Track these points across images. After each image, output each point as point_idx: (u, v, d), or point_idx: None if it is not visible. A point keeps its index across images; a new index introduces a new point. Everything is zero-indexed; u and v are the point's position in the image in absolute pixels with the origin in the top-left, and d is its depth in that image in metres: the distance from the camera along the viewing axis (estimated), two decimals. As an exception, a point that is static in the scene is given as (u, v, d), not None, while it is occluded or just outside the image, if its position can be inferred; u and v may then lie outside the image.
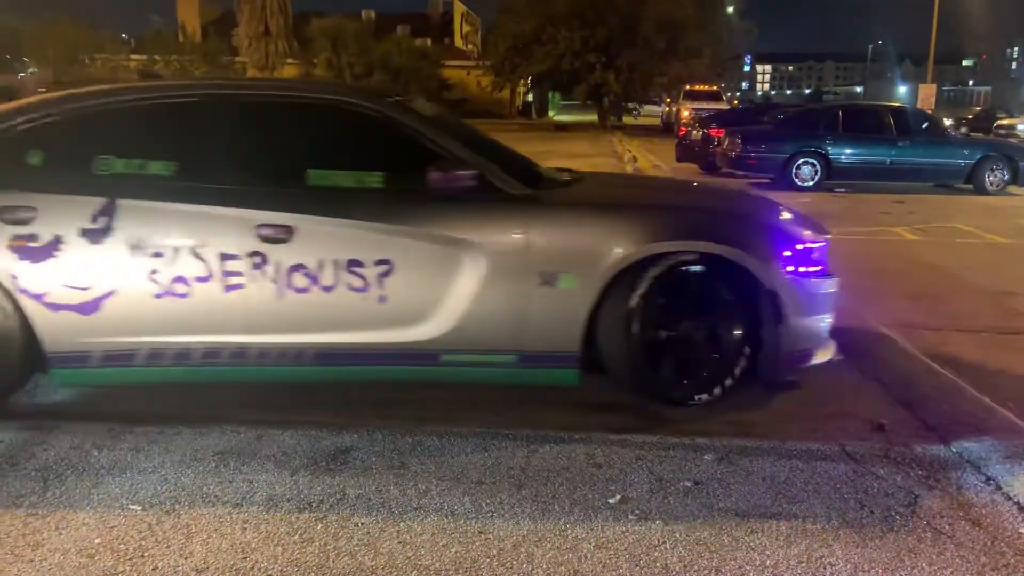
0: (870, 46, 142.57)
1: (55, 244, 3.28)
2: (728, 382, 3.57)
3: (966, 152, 13.34)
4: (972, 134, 21.09)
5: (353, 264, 3.33)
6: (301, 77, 30.73)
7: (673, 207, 3.91)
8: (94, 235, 3.28)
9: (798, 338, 3.55)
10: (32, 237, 3.27)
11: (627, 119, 42.18)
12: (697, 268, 3.46)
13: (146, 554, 2.42)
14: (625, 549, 2.46)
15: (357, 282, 3.34)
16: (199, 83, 4.12)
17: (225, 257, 3.31)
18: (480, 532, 2.56)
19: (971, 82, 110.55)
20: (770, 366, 3.60)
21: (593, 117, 37.94)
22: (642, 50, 33.42)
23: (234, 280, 3.32)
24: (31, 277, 3.27)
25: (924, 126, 13.77)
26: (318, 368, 3.45)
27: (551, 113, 47.94)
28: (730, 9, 39.24)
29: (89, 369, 3.40)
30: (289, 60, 32.59)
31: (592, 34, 32.95)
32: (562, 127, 34.28)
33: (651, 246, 3.39)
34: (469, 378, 3.56)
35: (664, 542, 2.51)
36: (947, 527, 2.61)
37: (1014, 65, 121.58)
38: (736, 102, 51.17)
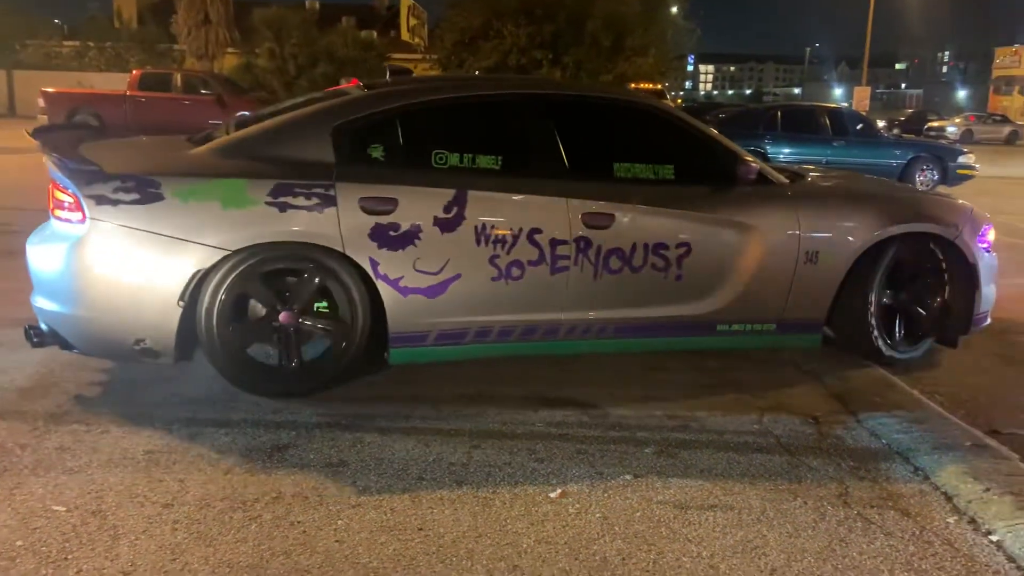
0: (808, 49, 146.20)
1: (414, 233, 3.48)
2: (929, 342, 4.32)
3: (898, 153, 13.78)
4: (904, 135, 21.79)
5: (660, 247, 3.75)
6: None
7: (903, 197, 4.60)
8: (447, 224, 3.51)
9: (983, 303, 4.25)
10: (393, 227, 3.45)
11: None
12: (919, 247, 4.12)
13: (70, 556, 2.33)
14: (565, 543, 2.47)
15: (660, 263, 3.76)
16: (515, 82, 4.71)
17: (556, 243, 3.62)
18: (420, 528, 2.53)
19: (904, 85, 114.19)
20: (965, 326, 4.22)
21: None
22: (588, 48, 33.61)
23: (561, 263, 3.65)
24: (389, 264, 3.47)
25: (859, 127, 14.17)
26: (616, 340, 3.87)
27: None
28: (674, 9, 39.73)
29: (424, 348, 3.64)
30: (230, 49, 31.84)
31: (539, 30, 32.99)
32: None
33: (892, 228, 4.01)
34: (736, 345, 4.08)
35: (603, 535, 2.52)
36: (877, 517, 2.68)
37: (945, 69, 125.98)
38: (680, 101, 51.86)
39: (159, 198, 3.28)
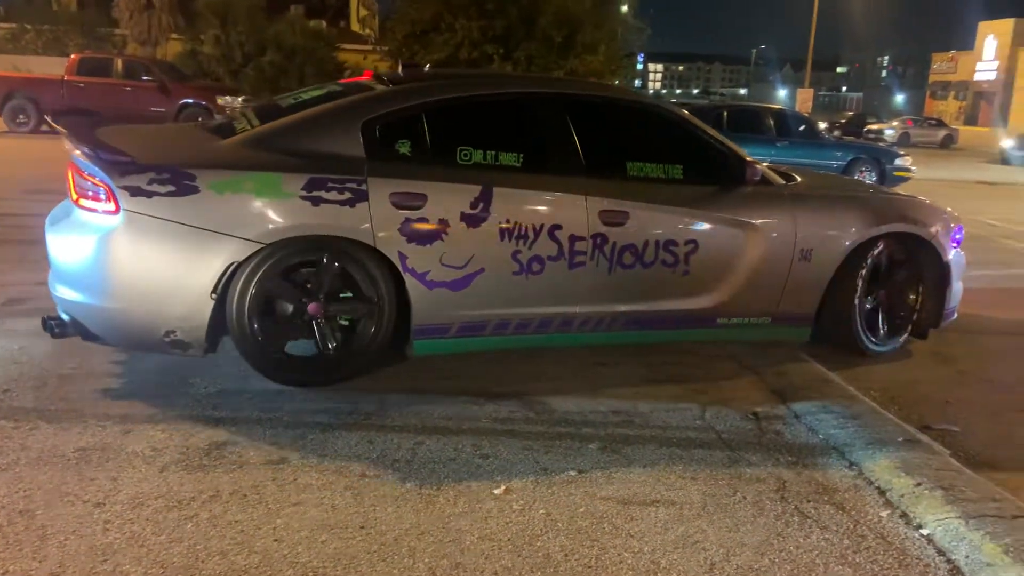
0: (754, 50, 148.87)
1: (441, 228, 3.55)
2: (905, 335, 4.60)
3: (839, 154, 14.15)
4: (844, 137, 22.37)
5: (670, 244, 3.92)
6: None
7: (888, 199, 4.75)
8: (473, 219, 3.59)
9: (953, 298, 4.60)
10: (422, 221, 3.51)
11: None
12: (900, 246, 4.40)
13: (-6, 560, 2.23)
14: (508, 540, 2.46)
15: (670, 259, 3.93)
16: (536, 80, 4.92)
17: (574, 239, 3.74)
18: (361, 527, 2.50)
19: (845, 88, 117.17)
20: (936, 320, 4.59)
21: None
22: (540, 44, 33.68)
23: (579, 259, 3.78)
24: (417, 258, 3.53)
25: (801, 128, 14.49)
26: (624, 332, 4.03)
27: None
28: (625, 8, 40.03)
29: (446, 340, 3.73)
30: (174, 35, 31.03)
31: (491, 25, 32.90)
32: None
33: (882, 227, 4.29)
34: (734, 337, 4.27)
35: (546, 532, 2.52)
36: (813, 511, 2.74)
37: (884, 73, 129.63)
38: (630, 99, 52.06)
39: (195, 190, 3.27)
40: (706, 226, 3.99)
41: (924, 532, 2.61)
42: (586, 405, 3.59)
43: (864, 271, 4.31)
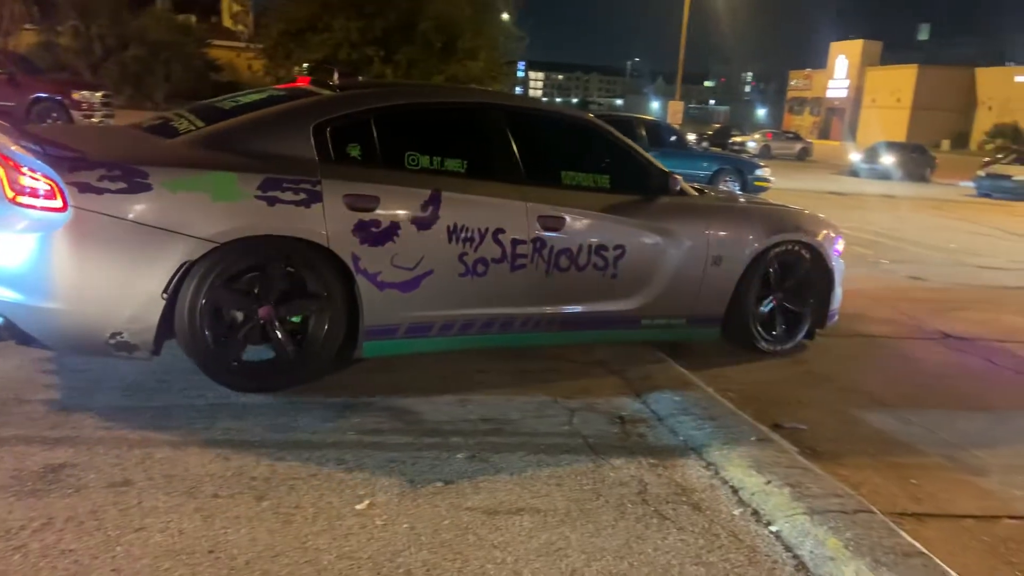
0: (629, 63, 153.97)
1: (393, 230, 3.61)
2: (801, 334, 5.00)
3: (705, 164, 14.82)
4: (711, 148, 23.44)
5: (601, 248, 4.16)
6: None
7: (784, 211, 5.07)
8: (422, 222, 3.69)
9: (835, 301, 5.06)
10: (375, 223, 3.57)
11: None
12: (792, 253, 4.79)
13: None
14: (368, 557, 2.39)
15: (601, 263, 4.17)
16: (476, 92, 5.25)
17: (516, 242, 3.91)
18: (210, 551, 2.36)
19: (713, 101, 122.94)
20: (822, 322, 5.03)
21: (370, 111, 37.24)
22: (420, 48, 33.50)
23: (520, 261, 3.94)
24: (369, 259, 3.58)
25: (672, 139, 15.10)
26: (559, 333, 4.23)
27: (327, 104, 46.49)
28: (505, 16, 40.43)
29: (395, 340, 3.79)
30: (28, 26, 28.89)
31: (370, 26, 32.47)
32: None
33: (778, 236, 4.70)
34: (655, 337, 4.57)
35: (409, 547, 2.46)
36: (671, 512, 2.81)
37: (748, 88, 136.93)
38: (510, 106, 52.59)
39: (147, 188, 3.21)
40: (633, 232, 4.25)
41: (773, 529, 2.73)
42: (457, 413, 3.56)
43: (762, 276, 4.72)
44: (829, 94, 75.54)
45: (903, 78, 66.57)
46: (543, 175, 4.14)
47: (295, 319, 3.61)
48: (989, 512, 3.09)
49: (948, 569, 2.43)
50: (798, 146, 39.79)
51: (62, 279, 3.16)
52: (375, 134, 3.76)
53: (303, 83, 4.22)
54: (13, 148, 3.24)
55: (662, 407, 3.78)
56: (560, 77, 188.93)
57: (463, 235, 3.78)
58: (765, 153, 35.70)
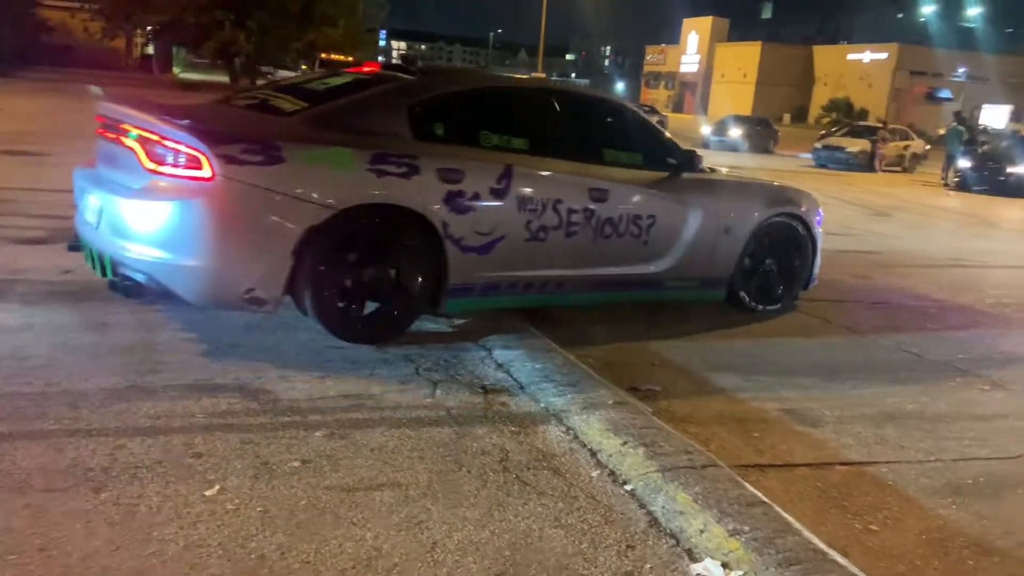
0: (491, 33, 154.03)
1: (475, 199, 4.09)
2: (793, 298, 5.72)
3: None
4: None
5: (636, 218, 4.72)
6: None
7: (779, 187, 5.79)
8: (498, 193, 4.18)
9: (816, 267, 5.72)
10: (461, 194, 4.03)
11: (262, 83, 40.29)
12: (784, 224, 5.45)
13: None
14: (218, 544, 2.28)
15: (636, 231, 4.73)
16: (539, 79, 6.10)
17: (571, 211, 4.44)
18: (41, 549, 2.18)
19: (574, 75, 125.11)
20: (805, 285, 5.73)
21: (225, 78, 35.51)
22: (275, 13, 32.04)
23: (573, 228, 4.47)
24: (456, 225, 4.03)
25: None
26: (598, 293, 4.83)
27: (176, 70, 43.85)
28: (364, -19, 39.33)
29: (471, 299, 4.28)
30: None
31: (219, -12, 30.71)
32: (190, 86, 31.60)
33: (777, 208, 5.39)
34: (675, 297, 5.20)
35: (262, 531, 2.37)
36: (532, 478, 2.85)
37: (607, 63, 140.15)
38: (372, 75, 51.54)
39: (281, 160, 3.64)
40: (663, 204, 4.82)
41: (628, 488, 2.82)
42: (315, 391, 3.46)
43: (761, 243, 5.36)
44: (682, 69, 78.55)
45: (748, 55, 70.13)
46: (590, 153, 4.68)
47: (394, 277, 3.99)
48: (823, 460, 3.33)
49: (786, 515, 2.59)
50: (654, 119, 40.66)
51: (207, 240, 3.56)
52: (456, 114, 4.32)
53: (374, 67, 4.91)
54: (158, 123, 3.63)
55: (524, 375, 3.83)
56: (423, 47, 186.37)
57: (529, 205, 4.28)
58: (624, 126, 36.61)
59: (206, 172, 3.50)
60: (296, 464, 2.80)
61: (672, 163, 4.99)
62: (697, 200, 4.98)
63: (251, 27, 32.02)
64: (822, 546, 2.42)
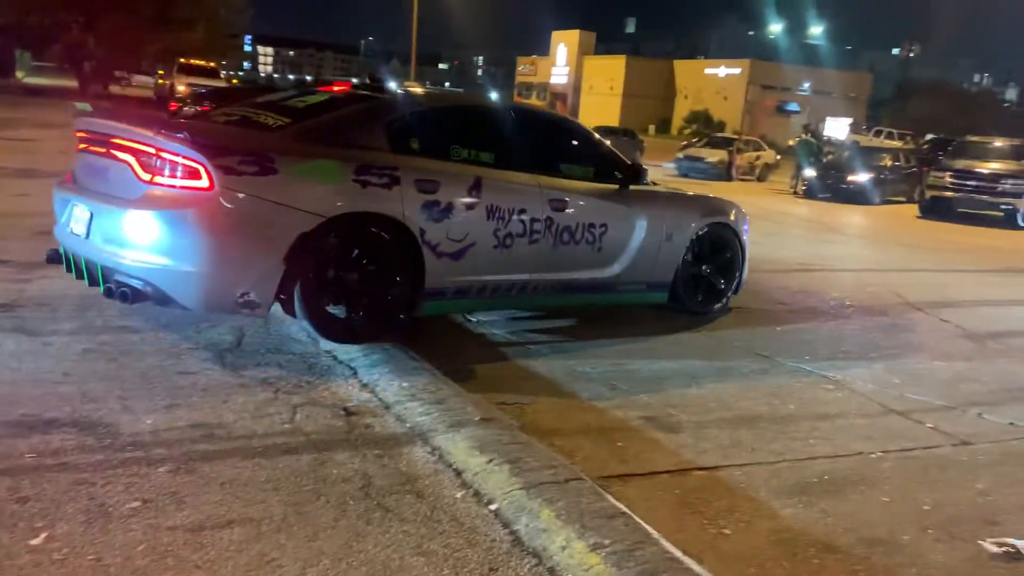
0: (362, 41, 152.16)
1: (449, 208, 4.43)
2: (725, 300, 6.17)
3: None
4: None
5: (591, 226, 5.13)
6: None
7: (712, 199, 6.38)
8: (469, 203, 4.54)
9: (745, 272, 6.25)
10: (436, 203, 4.37)
11: (115, 89, 38.10)
12: (720, 232, 6.01)
13: None
14: (41, 602, 2.07)
15: (590, 238, 5.14)
16: (501, 100, 7.01)
17: (533, 220, 4.82)
18: None
19: (448, 84, 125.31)
20: (735, 290, 6.23)
21: (73, 83, 33.30)
22: (127, 15, 30.36)
23: (535, 236, 4.84)
24: (432, 232, 4.37)
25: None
26: (559, 296, 5.22)
27: (19, 74, 40.69)
28: (224, -14, 37.94)
29: (444, 301, 4.58)
30: None
31: (64, -13, 28.80)
32: (35, 91, 29.39)
33: (710, 218, 5.93)
34: (624, 300, 5.68)
35: (94, 582, 2.18)
36: (394, 504, 2.77)
37: (480, 72, 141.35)
38: (236, 80, 49.86)
39: (274, 171, 3.89)
40: (613, 213, 5.26)
41: (492, 507, 2.78)
42: (161, 422, 3.24)
43: (697, 250, 5.84)
44: (553, 80, 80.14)
45: (614, 68, 72.40)
46: (549, 166, 5.08)
47: (376, 281, 4.24)
48: (681, 466, 3.41)
49: (646, 526, 2.63)
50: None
51: (205, 247, 3.75)
52: (429, 130, 4.65)
53: (344, 87, 5.23)
54: (156, 136, 3.80)
55: (390, 395, 3.73)
56: (291, 53, 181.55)
57: (497, 214, 4.63)
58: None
59: (205, 183, 3.71)
60: (135, 504, 2.60)
61: (619, 176, 5.42)
62: (643, 210, 5.44)
63: (102, 29, 30.20)
64: (679, 555, 2.46)
